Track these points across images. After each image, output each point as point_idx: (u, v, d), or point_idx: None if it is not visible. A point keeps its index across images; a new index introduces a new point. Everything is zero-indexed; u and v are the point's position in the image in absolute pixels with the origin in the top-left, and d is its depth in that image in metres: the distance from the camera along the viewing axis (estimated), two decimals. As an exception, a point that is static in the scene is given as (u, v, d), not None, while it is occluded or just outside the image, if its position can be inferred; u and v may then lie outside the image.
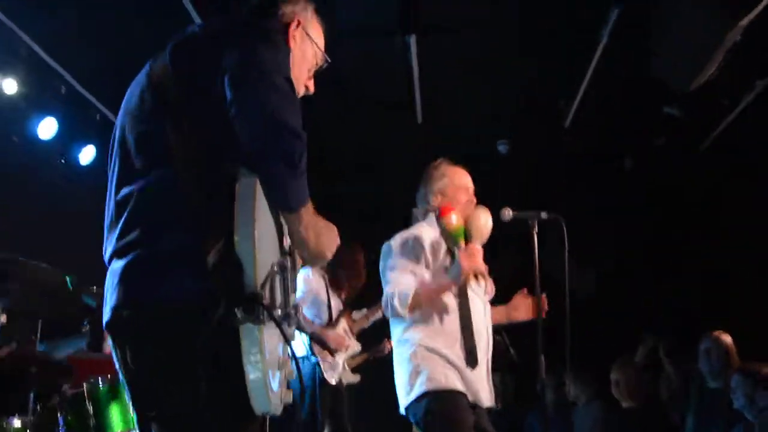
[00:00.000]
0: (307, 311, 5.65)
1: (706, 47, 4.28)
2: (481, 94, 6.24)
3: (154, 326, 1.69)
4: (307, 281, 5.73)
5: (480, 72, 5.86)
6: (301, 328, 5.54)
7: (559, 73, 5.76)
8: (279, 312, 1.72)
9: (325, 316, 5.77)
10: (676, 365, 5.85)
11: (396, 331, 3.68)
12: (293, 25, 2.13)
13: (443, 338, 3.55)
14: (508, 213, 3.79)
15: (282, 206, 1.81)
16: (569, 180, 7.45)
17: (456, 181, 3.86)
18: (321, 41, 2.25)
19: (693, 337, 5.51)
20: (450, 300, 3.61)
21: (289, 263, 1.85)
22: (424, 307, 3.53)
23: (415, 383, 3.52)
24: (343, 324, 5.86)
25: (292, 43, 2.10)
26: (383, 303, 3.55)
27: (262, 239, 1.66)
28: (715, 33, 4.17)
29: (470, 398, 3.51)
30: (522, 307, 3.86)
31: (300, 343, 5.58)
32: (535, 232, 3.78)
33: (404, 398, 3.58)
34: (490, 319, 3.77)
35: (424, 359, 3.53)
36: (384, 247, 3.74)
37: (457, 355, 3.52)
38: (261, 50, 1.81)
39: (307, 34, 2.16)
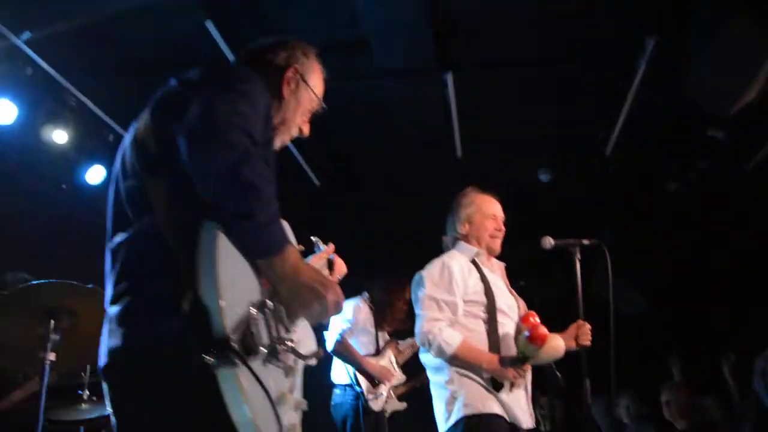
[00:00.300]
0: (354, 340, 5.68)
1: (747, 71, 4.26)
2: (520, 127, 6.27)
3: (142, 371, 1.73)
4: (356, 311, 5.78)
5: (518, 105, 5.89)
6: (345, 360, 5.59)
7: (598, 102, 5.76)
8: (264, 350, 1.74)
9: (372, 347, 5.80)
10: (738, 384, 5.76)
11: (429, 357, 3.66)
12: (289, 73, 2.22)
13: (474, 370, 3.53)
14: (549, 242, 3.83)
15: (250, 255, 1.80)
16: (613, 207, 7.42)
17: (484, 209, 3.90)
18: (320, 87, 2.34)
19: (748, 358, 5.43)
20: (479, 326, 3.61)
21: (274, 302, 1.85)
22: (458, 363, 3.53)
23: (452, 409, 3.52)
24: (389, 354, 5.88)
25: (285, 90, 2.20)
26: (420, 336, 3.55)
27: (230, 284, 1.67)
28: (755, 56, 4.14)
29: (509, 419, 3.49)
30: (580, 336, 3.81)
31: (344, 372, 5.63)
32: (577, 259, 3.80)
33: (443, 424, 3.58)
34: None
35: (461, 385, 3.52)
36: (416, 277, 3.76)
37: (489, 381, 3.50)
38: (219, 102, 1.79)
39: (305, 81, 2.25)
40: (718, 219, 7.36)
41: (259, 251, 1.80)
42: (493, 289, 3.67)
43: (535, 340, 3.41)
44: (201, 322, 1.61)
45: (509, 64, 5.34)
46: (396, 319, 5.95)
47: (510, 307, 3.69)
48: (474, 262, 3.77)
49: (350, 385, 5.59)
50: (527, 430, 3.60)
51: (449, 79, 5.34)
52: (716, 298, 7.66)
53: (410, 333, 6.07)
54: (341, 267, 2.66)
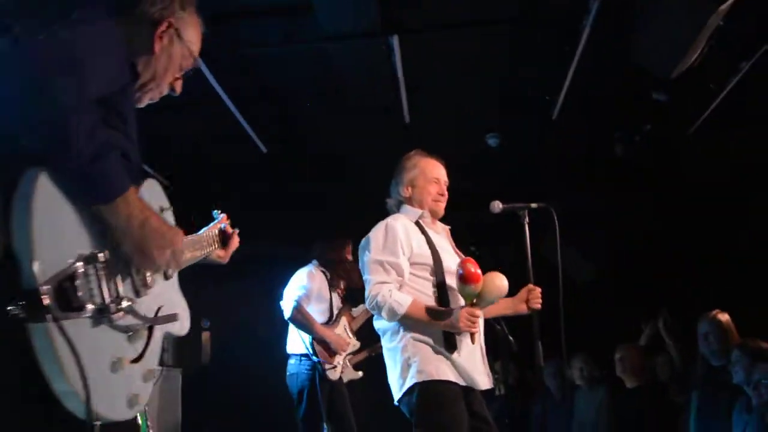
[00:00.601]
0: (311, 308, 5.66)
1: (687, 34, 4.28)
2: (467, 92, 6.24)
3: None
4: (310, 277, 5.76)
5: (464, 69, 5.85)
6: (302, 328, 5.57)
7: (545, 66, 5.75)
8: (92, 308, 1.67)
9: (326, 315, 5.79)
10: (678, 344, 5.89)
11: (383, 323, 3.70)
12: (162, 27, 2.12)
13: (428, 328, 3.57)
14: (498, 206, 3.87)
15: (85, 201, 1.73)
16: (561, 170, 7.49)
17: (427, 173, 3.94)
18: (196, 43, 2.26)
19: (694, 319, 5.54)
20: (427, 287, 3.67)
21: (108, 255, 1.75)
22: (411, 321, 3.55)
23: (406, 376, 3.57)
24: (343, 321, 5.89)
25: (157, 45, 2.10)
26: (369, 300, 3.59)
27: (49, 232, 1.61)
28: (695, 20, 4.17)
29: (464, 383, 3.56)
30: (530, 299, 3.84)
31: (299, 342, 5.60)
32: (526, 222, 3.83)
33: (397, 391, 3.64)
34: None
35: (415, 351, 3.57)
36: (362, 242, 3.79)
37: (443, 342, 3.55)
38: (44, 47, 1.70)
39: (179, 36, 2.16)
40: (664, 182, 7.48)
41: (91, 196, 1.74)
42: (439, 250, 3.70)
43: (468, 279, 3.41)
44: (10, 272, 1.55)
45: (455, 26, 5.27)
46: (348, 275, 5.96)
47: (455, 269, 3.66)
48: (418, 224, 3.77)
49: (306, 355, 5.59)
50: (484, 391, 3.65)
51: (395, 42, 5.26)
52: (664, 260, 7.82)
53: (362, 299, 6.12)
54: (234, 241, 2.77)
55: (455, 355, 3.55)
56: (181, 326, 2.16)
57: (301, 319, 5.53)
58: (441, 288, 3.66)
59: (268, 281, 6.41)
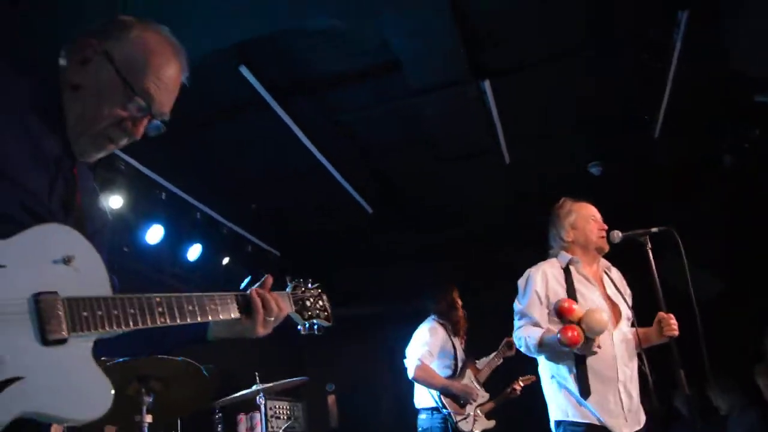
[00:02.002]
0: (435, 364, 5.67)
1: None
2: (563, 123, 6.22)
3: None
4: (432, 332, 5.78)
5: (557, 102, 5.84)
6: (426, 385, 5.58)
7: (640, 86, 5.67)
8: None
9: (451, 369, 5.78)
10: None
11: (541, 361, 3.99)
12: (79, 55, 1.81)
13: (571, 367, 3.76)
14: (617, 235, 3.86)
15: None
16: (672, 189, 7.29)
17: (583, 213, 4.08)
18: (153, 68, 1.87)
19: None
20: None
21: None
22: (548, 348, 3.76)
23: (553, 409, 3.85)
24: (469, 374, 5.85)
25: (76, 78, 1.80)
26: (516, 341, 3.90)
27: None
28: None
29: (609, 426, 3.62)
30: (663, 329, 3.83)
31: (428, 396, 5.61)
32: (649, 249, 3.75)
33: (550, 416, 3.87)
34: (632, 346, 3.87)
35: (556, 388, 3.83)
36: (518, 284, 4.05)
37: (577, 388, 3.71)
38: None
39: (111, 62, 1.80)
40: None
41: None
42: (579, 298, 3.82)
43: (564, 335, 3.58)
44: None
45: (543, 60, 5.29)
46: (464, 319, 5.98)
47: None
48: (566, 269, 3.90)
49: (437, 408, 5.57)
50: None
51: (487, 86, 5.32)
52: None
53: (485, 347, 6.09)
54: (259, 307, 2.05)
55: (591, 399, 3.64)
56: (67, 407, 1.61)
57: (425, 377, 5.57)
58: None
59: (390, 338, 6.46)
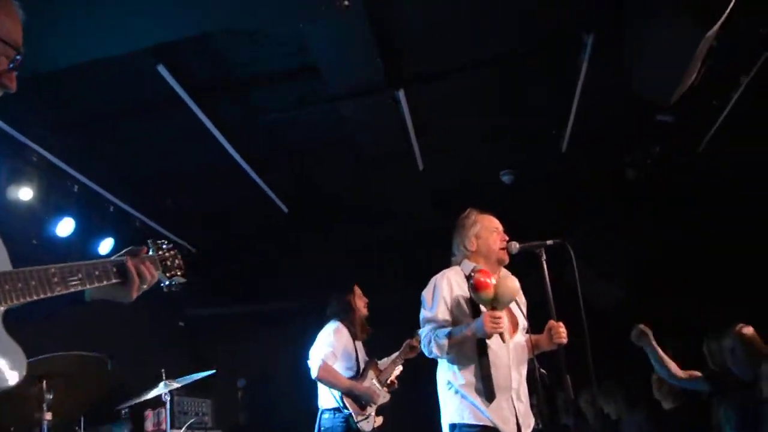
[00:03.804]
0: (338, 365, 5.75)
1: (681, 60, 4.42)
2: (476, 133, 6.44)
3: None
4: (336, 334, 5.83)
5: (470, 111, 6.04)
6: (329, 385, 5.66)
7: (548, 101, 5.92)
8: None
9: (354, 369, 5.87)
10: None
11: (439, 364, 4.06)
12: None
13: (468, 384, 3.86)
14: (515, 246, 4.03)
15: None
16: (577, 200, 7.58)
17: (487, 224, 4.20)
18: (9, 29, 1.93)
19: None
20: (470, 342, 3.88)
21: None
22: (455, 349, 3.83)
23: (447, 412, 3.92)
24: (371, 375, 5.95)
25: None
26: (424, 346, 3.95)
27: None
28: (686, 46, 4.30)
29: (501, 427, 3.76)
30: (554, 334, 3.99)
31: (330, 396, 5.68)
32: (544, 261, 3.94)
33: (443, 420, 3.95)
34: (525, 353, 4.03)
35: (454, 395, 3.89)
36: (422, 296, 4.12)
37: (480, 390, 3.81)
38: None
39: None
40: (678, 200, 7.54)
41: None
42: (482, 308, 3.89)
43: (479, 287, 3.72)
44: None
45: (456, 71, 5.47)
46: (364, 321, 6.07)
47: None
48: (469, 277, 4.00)
49: (338, 409, 5.65)
50: None
51: (401, 96, 5.47)
52: (685, 276, 7.82)
53: (388, 351, 6.21)
54: (146, 272, 2.23)
55: (493, 404, 3.76)
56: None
57: (328, 377, 5.63)
58: (481, 349, 3.85)
59: (298, 336, 6.51)
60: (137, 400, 5.37)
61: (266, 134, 6.21)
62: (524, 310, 4.19)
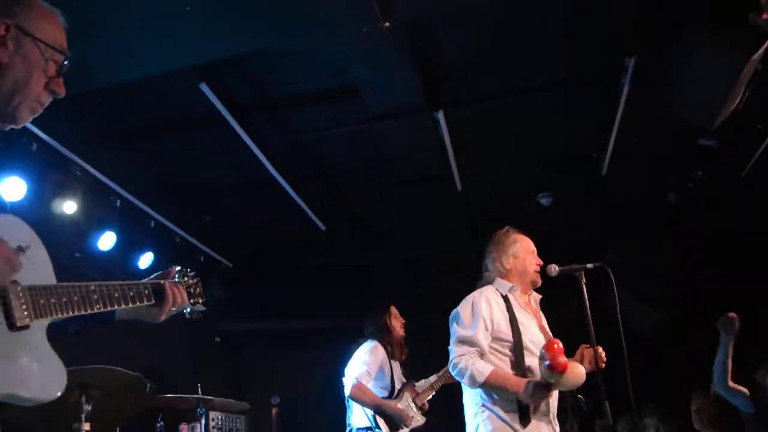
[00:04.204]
0: (372, 384, 5.73)
1: (724, 86, 4.36)
2: (515, 155, 6.43)
3: None
4: (372, 352, 5.82)
5: (510, 134, 6.03)
6: (362, 404, 5.64)
7: (589, 124, 5.88)
8: None
9: (389, 389, 5.84)
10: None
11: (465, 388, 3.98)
12: None
13: (502, 400, 3.78)
14: (554, 269, 3.98)
15: None
16: (618, 224, 7.50)
17: (525, 245, 4.18)
18: (56, 33, 2.00)
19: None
20: (505, 363, 3.86)
21: None
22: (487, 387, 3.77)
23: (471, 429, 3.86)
24: (407, 396, 5.92)
25: (1, 55, 1.88)
26: (453, 366, 3.86)
27: None
28: (730, 71, 4.24)
29: None
30: (586, 359, 3.92)
31: (363, 416, 5.66)
32: (583, 284, 3.89)
33: None
34: None
35: (486, 417, 3.81)
36: (452, 313, 4.04)
37: (513, 416, 3.74)
38: None
39: (28, 34, 1.91)
40: (721, 226, 7.42)
41: None
42: (521, 327, 3.90)
43: (555, 368, 3.55)
44: None
45: (496, 95, 5.48)
46: (401, 341, 6.05)
47: (536, 344, 3.87)
48: (506, 298, 3.99)
49: (370, 429, 5.62)
50: None
51: (441, 116, 5.48)
52: (729, 305, 7.67)
53: (426, 370, 6.18)
54: (170, 296, 2.31)
55: (528, 428, 3.70)
56: (35, 389, 1.76)
57: (361, 396, 5.61)
58: (518, 365, 3.82)
59: (332, 354, 6.52)
60: (173, 415, 5.43)
61: (305, 153, 6.27)
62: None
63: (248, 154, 5.96)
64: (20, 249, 1.77)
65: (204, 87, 4.99)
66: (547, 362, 3.57)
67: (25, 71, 1.90)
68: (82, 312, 1.94)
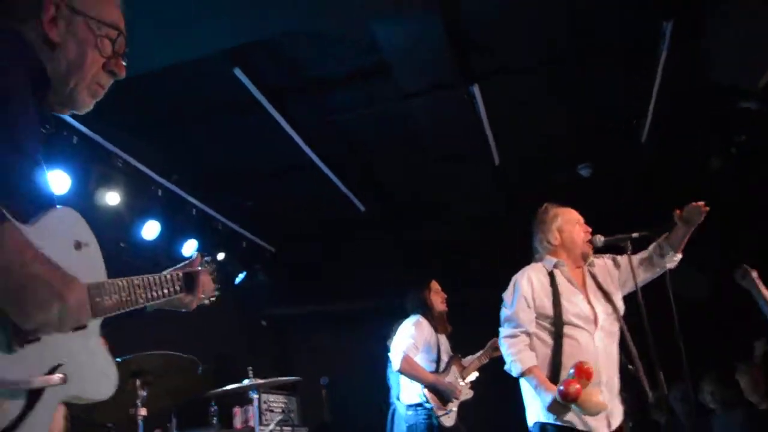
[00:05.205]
0: (419, 358, 5.74)
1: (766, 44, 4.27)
2: (553, 126, 6.34)
3: None
4: (417, 326, 5.82)
5: (547, 105, 5.96)
6: (411, 378, 5.65)
7: (627, 91, 5.79)
8: None
9: (435, 363, 5.84)
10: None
11: None
12: (50, 12, 1.78)
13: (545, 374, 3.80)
14: (600, 239, 3.94)
15: None
16: (660, 192, 7.39)
17: (568, 217, 4.14)
18: (110, 10, 1.92)
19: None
20: (547, 338, 3.87)
21: None
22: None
23: (533, 411, 3.84)
24: (454, 370, 5.92)
25: (54, 34, 1.79)
26: (502, 349, 3.94)
27: None
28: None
29: (592, 428, 3.66)
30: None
31: (413, 392, 5.68)
32: (629, 254, 3.85)
33: (528, 419, 3.90)
34: (614, 343, 3.90)
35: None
36: (504, 294, 4.06)
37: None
38: None
39: (78, 12, 1.83)
40: (765, 189, 7.28)
41: None
42: (563, 302, 3.87)
43: (565, 396, 3.56)
44: None
45: (531, 65, 5.42)
46: (444, 316, 6.05)
47: (582, 317, 3.85)
48: (551, 274, 3.98)
49: (420, 404, 5.63)
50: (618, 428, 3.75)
51: (476, 90, 5.44)
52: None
53: (472, 345, 6.18)
54: (202, 284, 2.33)
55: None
56: (95, 389, 1.75)
57: (410, 370, 5.62)
58: (557, 340, 3.81)
59: (377, 333, 6.55)
60: (224, 395, 5.50)
61: (340, 133, 6.28)
62: (615, 285, 4.10)
63: (285, 138, 5.99)
64: (78, 245, 1.74)
65: (238, 72, 5.02)
66: (561, 387, 3.59)
67: (78, 50, 1.82)
68: (131, 308, 1.91)
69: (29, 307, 1.44)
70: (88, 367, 1.70)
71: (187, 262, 2.35)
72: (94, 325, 1.77)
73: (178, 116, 5.73)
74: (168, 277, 2.16)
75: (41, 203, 1.66)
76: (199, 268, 2.36)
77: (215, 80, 5.22)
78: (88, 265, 1.73)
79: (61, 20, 1.79)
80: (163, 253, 6.64)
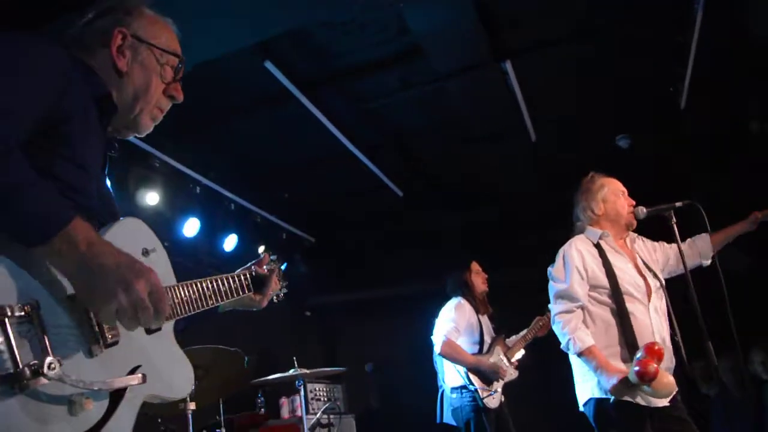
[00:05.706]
0: (462, 340, 5.73)
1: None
2: (589, 99, 6.23)
3: None
4: (458, 309, 5.81)
5: (581, 78, 5.86)
6: (454, 361, 5.64)
7: (663, 58, 5.65)
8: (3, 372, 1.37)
9: (478, 345, 5.82)
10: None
11: None
12: (115, 42, 1.90)
13: (609, 348, 3.70)
14: (642, 211, 3.88)
15: (21, 242, 1.47)
16: (700, 160, 7.25)
17: (614, 188, 4.07)
18: (169, 38, 2.03)
19: None
20: (606, 312, 3.78)
21: (34, 309, 1.46)
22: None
23: (586, 388, 3.76)
24: (498, 351, 5.88)
25: (121, 63, 1.90)
26: (555, 326, 3.81)
27: None
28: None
29: (644, 403, 3.57)
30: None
31: (456, 374, 5.66)
32: (674, 223, 3.77)
33: (580, 397, 3.81)
34: (663, 315, 3.82)
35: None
36: (548, 271, 3.99)
37: (627, 359, 3.64)
38: None
39: (143, 41, 1.95)
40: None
41: (21, 232, 1.46)
42: (616, 272, 3.80)
43: (643, 375, 3.45)
44: None
45: (563, 38, 5.31)
46: (485, 296, 6.02)
47: (636, 287, 3.78)
48: (598, 245, 3.90)
49: (464, 386, 5.61)
50: (664, 407, 3.64)
51: (509, 67, 5.37)
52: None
53: (516, 325, 6.13)
54: (272, 283, 2.44)
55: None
56: (172, 388, 1.81)
57: (452, 353, 5.60)
58: (622, 312, 3.72)
59: (419, 318, 6.53)
60: (270, 384, 5.55)
61: (374, 120, 6.25)
62: (659, 264, 4.05)
63: (319, 128, 5.99)
64: (145, 252, 1.82)
65: (269, 65, 5.01)
66: (636, 368, 3.47)
67: (144, 78, 1.93)
68: (202, 309, 2.02)
69: (107, 298, 1.51)
70: (165, 367, 1.79)
71: (255, 261, 2.44)
72: (168, 327, 1.88)
73: (211, 113, 5.75)
74: (237, 278, 2.27)
75: (108, 215, 1.78)
76: (269, 267, 2.46)
77: (246, 75, 5.23)
78: (158, 269, 1.76)
79: (127, 49, 1.91)
80: (205, 250, 6.71)
